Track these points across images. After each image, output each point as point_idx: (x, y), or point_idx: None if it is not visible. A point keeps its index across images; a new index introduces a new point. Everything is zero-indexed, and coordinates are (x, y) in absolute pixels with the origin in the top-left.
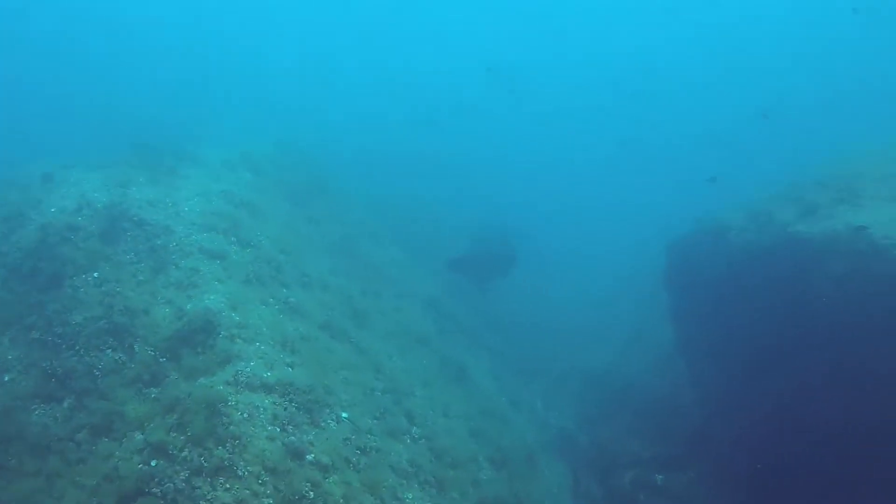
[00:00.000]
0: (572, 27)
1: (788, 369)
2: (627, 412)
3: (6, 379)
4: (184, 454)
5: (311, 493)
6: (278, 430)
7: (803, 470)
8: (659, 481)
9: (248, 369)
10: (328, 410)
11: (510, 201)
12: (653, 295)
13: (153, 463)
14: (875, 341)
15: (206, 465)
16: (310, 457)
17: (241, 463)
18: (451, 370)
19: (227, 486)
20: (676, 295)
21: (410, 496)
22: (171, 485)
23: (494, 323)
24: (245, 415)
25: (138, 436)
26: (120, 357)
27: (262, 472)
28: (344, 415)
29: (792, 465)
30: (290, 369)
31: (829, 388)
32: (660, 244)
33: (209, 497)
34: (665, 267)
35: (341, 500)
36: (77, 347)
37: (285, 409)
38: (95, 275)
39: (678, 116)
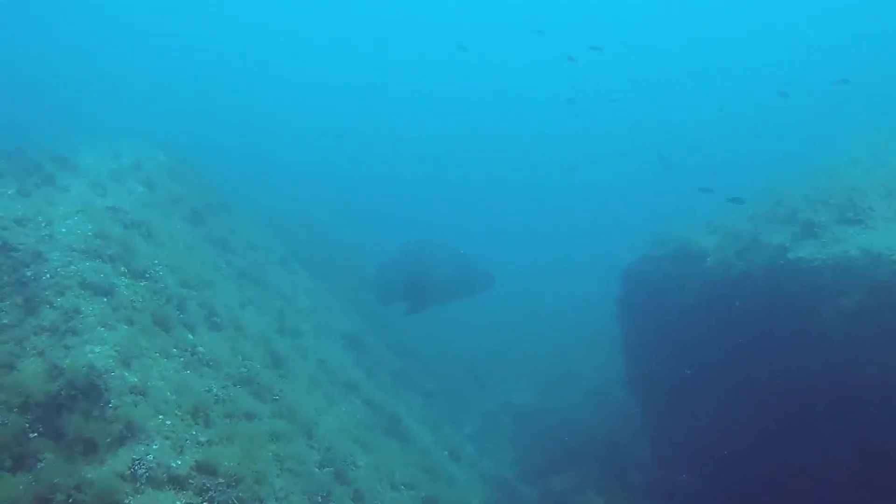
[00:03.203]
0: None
1: (782, 416)
2: (576, 459)
3: None
4: None
5: None
6: None
7: None
8: None
9: (151, 456)
10: None
11: (439, 222)
12: (580, 325)
13: None
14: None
15: None
16: None
17: None
18: (385, 421)
19: None
20: (633, 327)
21: None
22: None
23: (418, 356)
24: None
25: None
26: None
27: None
28: None
29: None
30: (206, 450)
31: (835, 451)
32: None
33: None
34: (619, 294)
35: None
36: None
37: None
38: None
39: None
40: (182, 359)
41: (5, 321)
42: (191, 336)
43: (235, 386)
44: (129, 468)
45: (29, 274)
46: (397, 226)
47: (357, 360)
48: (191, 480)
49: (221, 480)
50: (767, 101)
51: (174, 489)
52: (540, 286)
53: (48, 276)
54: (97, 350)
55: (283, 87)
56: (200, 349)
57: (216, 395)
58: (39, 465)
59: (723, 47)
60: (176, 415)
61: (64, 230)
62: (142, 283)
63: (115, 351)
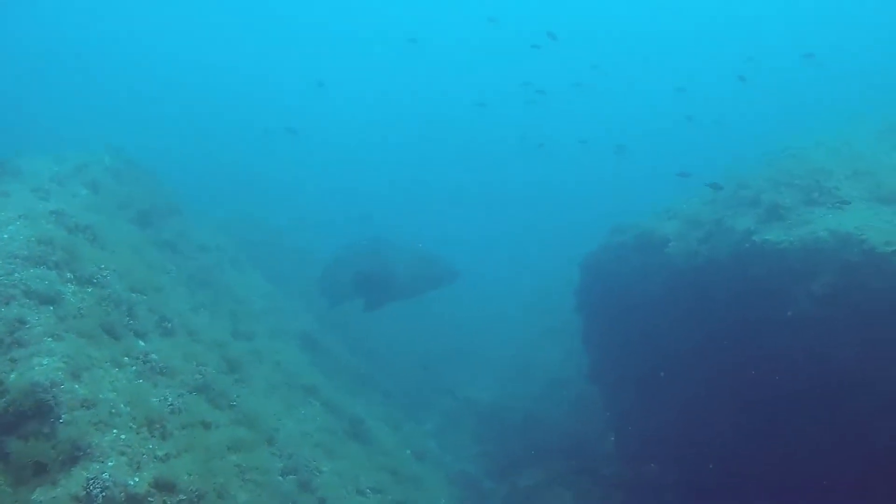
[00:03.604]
0: None
1: (754, 404)
2: (541, 453)
3: None
4: None
5: None
6: None
7: None
8: None
9: (106, 474)
10: None
11: (397, 222)
12: (541, 318)
13: None
14: (874, 383)
15: None
16: None
17: None
18: (346, 424)
19: None
20: (592, 318)
21: None
22: None
23: (376, 355)
24: None
25: None
26: None
27: None
28: None
29: None
30: (164, 465)
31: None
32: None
33: None
34: (578, 285)
35: None
36: None
37: None
38: None
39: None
40: (134, 367)
41: None
42: (142, 343)
43: (191, 394)
44: (84, 489)
45: None
46: (352, 227)
47: (314, 360)
48: (150, 499)
49: (182, 497)
50: (728, 84)
51: None
52: (501, 281)
53: None
54: (45, 362)
55: (243, 92)
56: (153, 356)
57: (172, 405)
58: None
59: (683, 25)
60: (131, 428)
61: (5, 236)
62: (89, 290)
63: (64, 363)
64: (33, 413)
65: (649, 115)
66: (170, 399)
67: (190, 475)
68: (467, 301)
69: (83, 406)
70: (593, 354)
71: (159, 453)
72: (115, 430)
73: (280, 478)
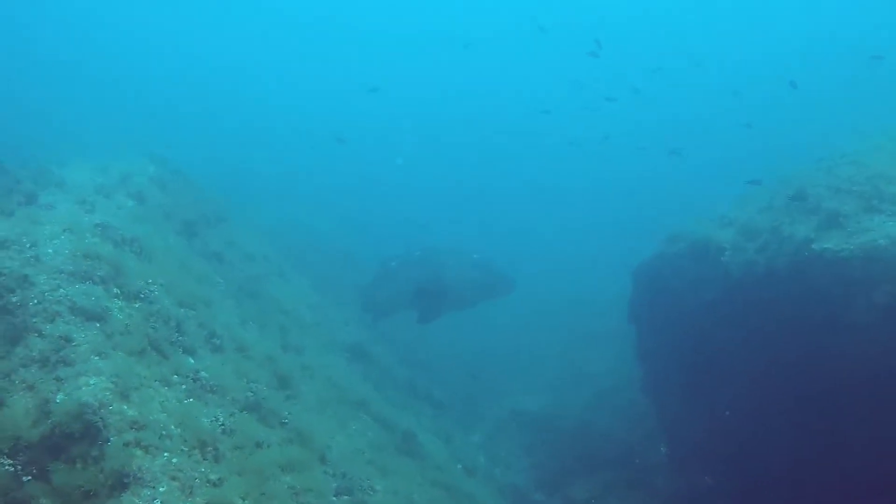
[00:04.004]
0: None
1: (812, 417)
2: (592, 464)
3: None
4: None
5: None
6: None
7: None
8: None
9: (158, 501)
10: None
11: (446, 228)
12: (591, 325)
13: None
14: None
15: None
16: None
17: None
18: (397, 439)
19: None
20: (645, 327)
21: None
22: None
23: (425, 364)
24: None
25: None
26: None
27: None
28: None
29: None
30: (217, 490)
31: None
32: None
33: None
34: (631, 295)
35: None
36: None
37: None
38: None
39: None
40: (184, 386)
41: None
42: (191, 360)
43: (243, 412)
44: None
45: (14, 300)
46: (400, 232)
47: (363, 373)
48: None
49: None
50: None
51: None
52: (551, 287)
53: (35, 301)
54: (92, 382)
55: (282, 95)
56: (203, 374)
57: (223, 425)
58: None
59: (728, 37)
60: (182, 451)
61: (51, 251)
62: (136, 305)
63: (112, 382)
64: (81, 435)
65: (705, 119)
66: (221, 419)
67: (244, 500)
68: (517, 306)
69: (132, 428)
70: (647, 365)
71: (212, 477)
72: (165, 454)
73: (334, 498)
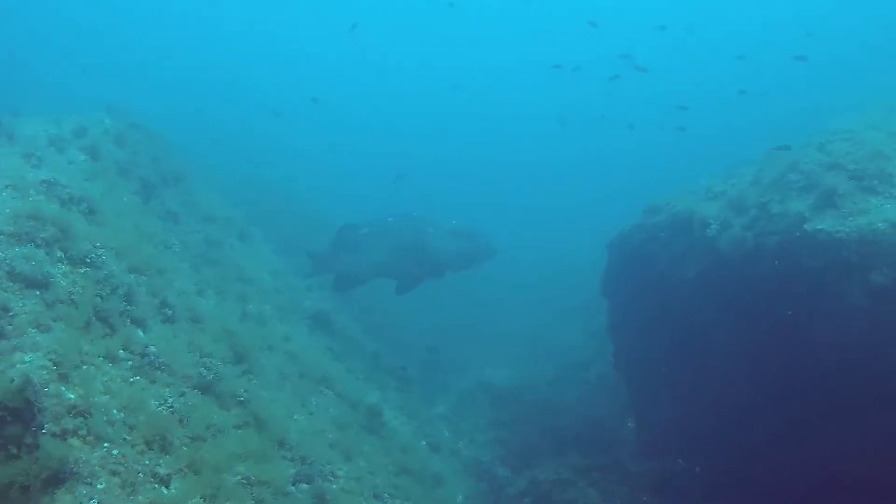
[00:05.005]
0: None
1: (801, 405)
2: (559, 441)
3: None
4: None
5: None
6: None
7: None
8: None
9: (95, 501)
10: None
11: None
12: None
13: None
14: None
15: None
16: None
17: None
18: (361, 416)
19: None
20: (619, 302)
21: None
22: None
23: (390, 334)
24: None
25: None
26: None
27: None
28: None
29: None
30: (164, 491)
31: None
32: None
33: None
34: (605, 267)
35: None
36: None
37: None
38: None
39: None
40: (131, 362)
41: None
42: (141, 333)
43: (195, 391)
44: None
45: None
46: (372, 200)
47: (327, 344)
48: None
49: None
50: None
51: None
52: (525, 259)
53: None
54: (27, 359)
55: (267, 61)
56: (152, 349)
57: (172, 407)
58: None
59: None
60: (125, 440)
61: None
62: (82, 271)
63: (51, 358)
64: (13, 420)
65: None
66: (170, 400)
67: (192, 498)
68: (490, 277)
69: (73, 413)
70: (618, 340)
71: (159, 471)
72: (106, 444)
73: (292, 488)
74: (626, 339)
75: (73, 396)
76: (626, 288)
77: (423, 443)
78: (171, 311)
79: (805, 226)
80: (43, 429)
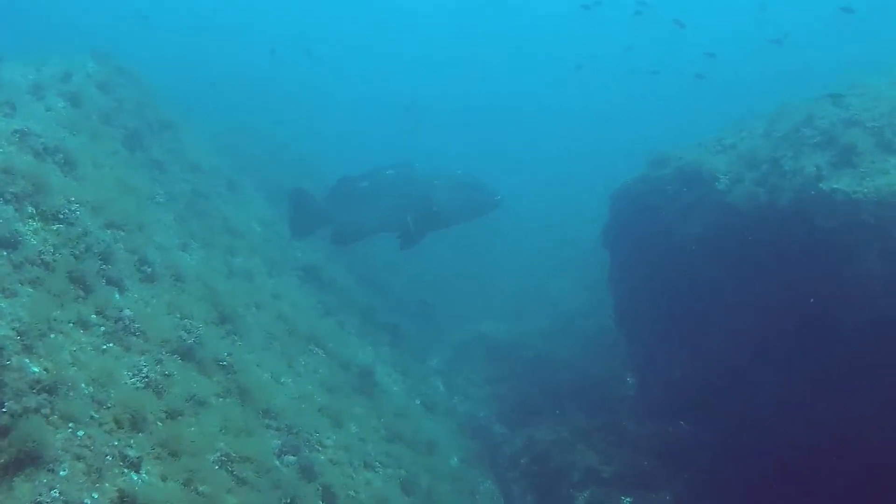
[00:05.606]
0: None
1: (811, 373)
2: (556, 396)
3: None
4: None
5: None
6: None
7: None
8: None
9: (56, 490)
10: None
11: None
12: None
13: None
14: None
15: None
16: None
17: None
18: (353, 376)
19: None
20: (620, 255)
21: None
22: None
23: (385, 286)
24: None
25: None
26: None
27: None
28: None
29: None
30: (134, 476)
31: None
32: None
33: None
34: (607, 220)
35: None
36: None
37: None
38: None
39: None
40: (103, 328)
41: None
42: (117, 294)
43: (173, 357)
44: None
45: None
46: (372, 148)
47: (318, 298)
48: None
49: None
50: None
51: None
52: (530, 210)
53: None
54: None
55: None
56: (127, 311)
57: (147, 378)
58: None
59: None
60: (93, 418)
61: None
62: (54, 228)
63: (13, 329)
64: None
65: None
66: (145, 370)
67: (165, 481)
68: (492, 229)
69: (38, 388)
70: (619, 295)
71: (128, 453)
72: (71, 424)
73: (277, 462)
74: (627, 293)
75: (37, 370)
76: (628, 241)
77: (417, 402)
78: (150, 269)
79: (821, 184)
80: (3, 407)
